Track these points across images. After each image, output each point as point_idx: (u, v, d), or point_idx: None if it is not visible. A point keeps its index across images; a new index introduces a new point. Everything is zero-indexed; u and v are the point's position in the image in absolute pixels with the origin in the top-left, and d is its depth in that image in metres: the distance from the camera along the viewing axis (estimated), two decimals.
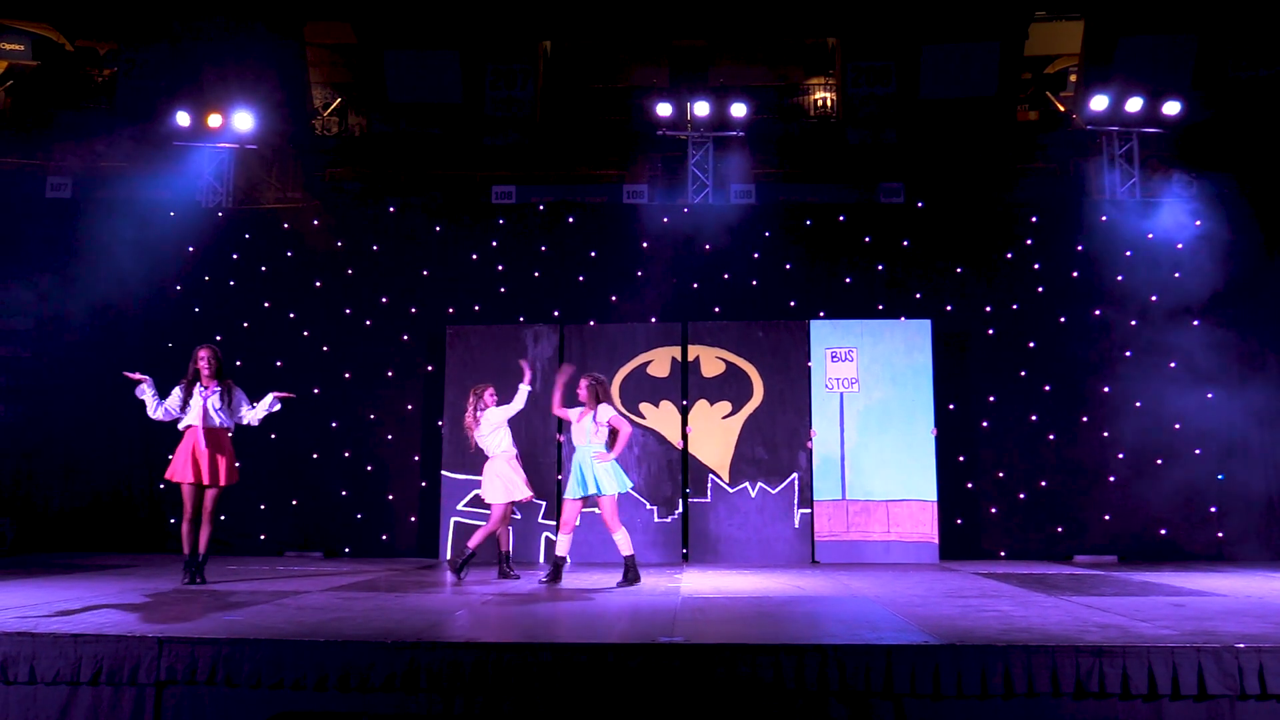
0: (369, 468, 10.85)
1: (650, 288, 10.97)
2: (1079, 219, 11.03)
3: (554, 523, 10.24)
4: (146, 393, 7.80)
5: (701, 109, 11.90)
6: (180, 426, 7.88)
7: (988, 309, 10.91)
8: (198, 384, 7.82)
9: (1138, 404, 10.56)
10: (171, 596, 6.94)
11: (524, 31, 15.88)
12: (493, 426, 8.48)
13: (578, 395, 8.04)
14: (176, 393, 7.85)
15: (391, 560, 10.22)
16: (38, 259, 11.29)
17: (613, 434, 7.91)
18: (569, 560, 8.14)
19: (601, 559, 10.11)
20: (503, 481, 8.42)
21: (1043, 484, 10.61)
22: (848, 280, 11.07)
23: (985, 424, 10.77)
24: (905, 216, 11.29)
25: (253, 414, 8.04)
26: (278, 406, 8.10)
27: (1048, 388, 10.73)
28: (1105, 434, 10.60)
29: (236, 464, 8.07)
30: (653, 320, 10.82)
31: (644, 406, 10.48)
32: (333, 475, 10.80)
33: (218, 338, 10.93)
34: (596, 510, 8.40)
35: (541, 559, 10.24)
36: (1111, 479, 10.55)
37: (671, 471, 10.38)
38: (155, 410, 7.84)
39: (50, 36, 17.51)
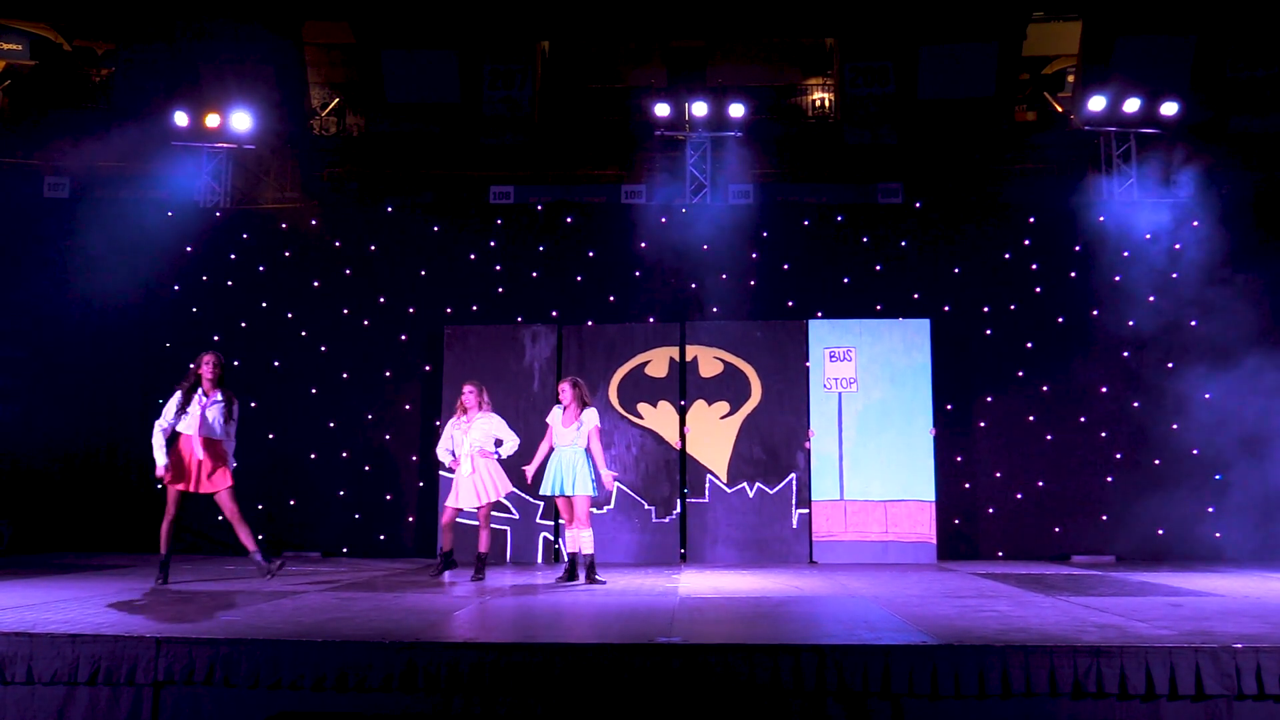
0: (366, 468, 10.85)
1: (648, 288, 10.98)
2: (1077, 219, 11.03)
3: (552, 523, 10.25)
4: (158, 446, 7.70)
5: (700, 109, 11.89)
6: (179, 429, 7.74)
7: (986, 309, 10.92)
8: (198, 390, 7.73)
9: (1135, 404, 10.58)
10: (169, 596, 6.93)
11: (522, 32, 15.88)
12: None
13: (559, 398, 8.21)
14: (174, 400, 7.72)
15: (389, 560, 10.22)
16: (35, 259, 11.26)
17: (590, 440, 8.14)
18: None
19: (600, 559, 10.10)
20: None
21: (1040, 484, 10.62)
22: (846, 280, 11.07)
23: (983, 424, 10.78)
24: (903, 216, 11.29)
25: (230, 443, 7.96)
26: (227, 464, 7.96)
27: (1045, 388, 10.74)
28: (1103, 434, 10.61)
29: (233, 465, 8.03)
30: (651, 320, 10.83)
31: (642, 406, 10.49)
32: (330, 475, 10.79)
33: (215, 338, 10.95)
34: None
35: (540, 559, 10.24)
36: (1109, 479, 10.56)
37: (669, 472, 10.38)
38: (159, 438, 7.74)
39: (48, 36, 17.50)
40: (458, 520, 8.75)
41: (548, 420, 8.34)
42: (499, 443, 8.50)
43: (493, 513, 10.27)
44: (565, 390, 8.20)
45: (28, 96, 16.47)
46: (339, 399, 10.89)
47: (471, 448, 8.42)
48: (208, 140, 11.85)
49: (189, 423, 7.71)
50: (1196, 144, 12.77)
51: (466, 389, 8.61)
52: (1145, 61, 14.18)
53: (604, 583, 8.02)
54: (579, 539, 8.10)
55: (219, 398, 7.76)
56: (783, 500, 10.32)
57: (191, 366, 7.85)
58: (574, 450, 8.05)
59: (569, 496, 8.04)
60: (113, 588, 7.39)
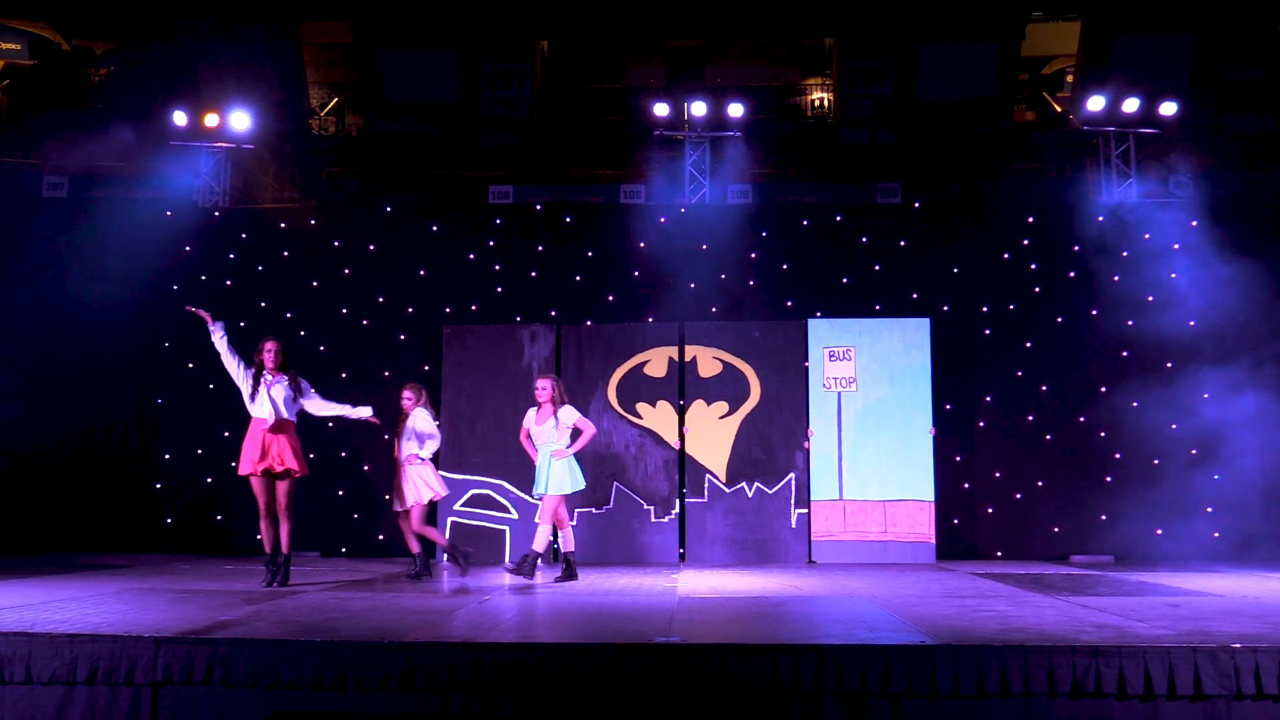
0: (365, 467, 10.83)
1: (647, 288, 10.96)
2: (1075, 220, 11.03)
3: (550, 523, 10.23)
4: (218, 335, 7.70)
5: (699, 109, 11.89)
6: (251, 414, 7.75)
7: (985, 309, 10.92)
8: (263, 375, 7.75)
9: (1134, 404, 10.57)
10: (168, 596, 6.93)
11: (521, 31, 15.88)
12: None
13: (535, 396, 8.19)
14: (246, 379, 7.75)
15: (388, 560, 10.21)
16: (34, 258, 11.26)
17: (574, 434, 8.11)
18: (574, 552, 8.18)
19: (599, 559, 10.11)
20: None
21: (1039, 484, 10.62)
22: (845, 280, 11.07)
23: (982, 424, 10.78)
24: (902, 216, 11.30)
25: (325, 408, 7.93)
26: (359, 415, 8.00)
27: (1044, 388, 10.74)
28: (1102, 434, 10.61)
29: (309, 455, 7.99)
30: (650, 320, 10.82)
31: (641, 406, 10.48)
32: (329, 475, 10.77)
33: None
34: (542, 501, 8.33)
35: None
36: (1108, 479, 10.56)
37: (668, 472, 10.38)
38: (228, 354, 7.73)
39: (47, 36, 17.49)
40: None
41: (524, 424, 8.28)
42: (422, 443, 8.51)
43: (491, 512, 10.31)
44: (546, 386, 8.11)
45: (27, 96, 16.47)
46: (338, 398, 10.84)
47: (401, 451, 8.50)
48: (206, 140, 11.84)
49: (261, 408, 7.72)
50: (1195, 144, 12.78)
51: (402, 393, 8.67)
52: (1144, 61, 14.19)
53: (532, 581, 7.98)
54: (539, 535, 8.08)
55: (283, 378, 7.77)
56: (782, 500, 10.32)
57: (255, 354, 7.83)
58: (548, 449, 8.04)
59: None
60: (111, 587, 7.38)
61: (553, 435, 8.05)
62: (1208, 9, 14.42)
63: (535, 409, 8.22)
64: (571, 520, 8.17)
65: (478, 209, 11.88)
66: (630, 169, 13.71)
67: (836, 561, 10.12)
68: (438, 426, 8.70)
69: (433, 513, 10.39)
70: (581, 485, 8.26)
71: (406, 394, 8.66)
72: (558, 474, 8.01)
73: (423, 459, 8.46)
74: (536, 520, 8.21)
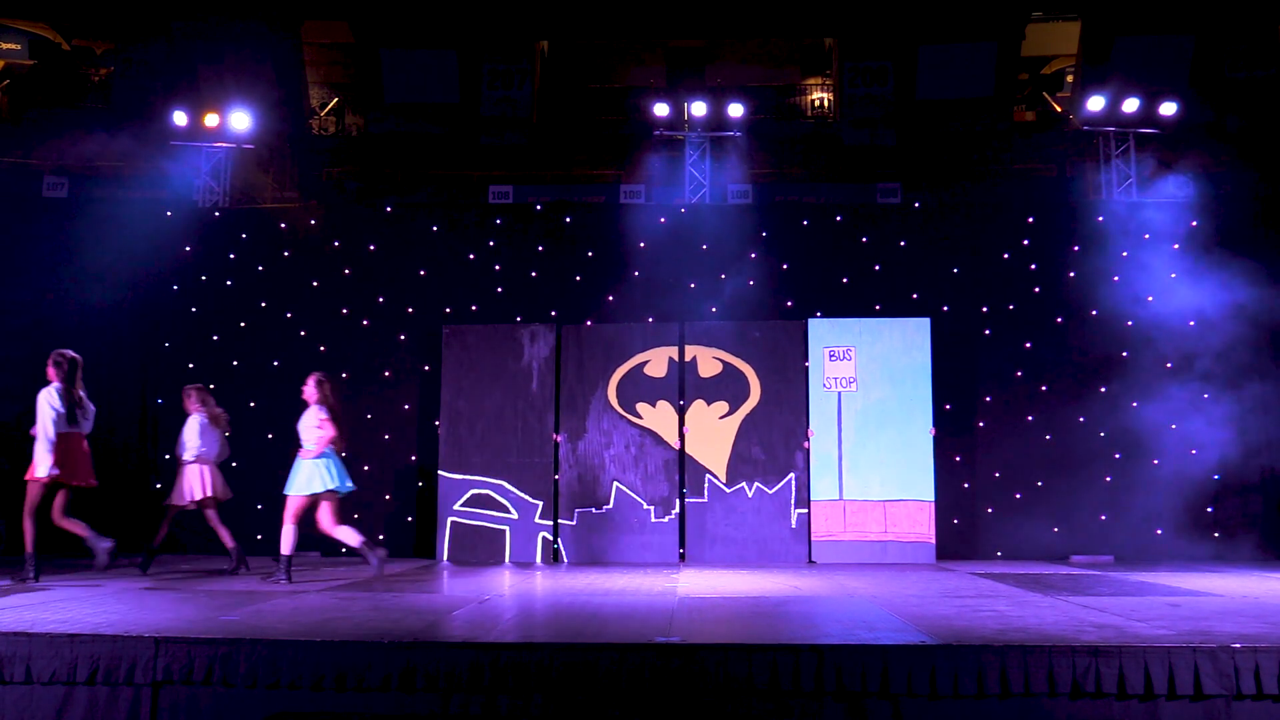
0: (365, 468, 10.82)
1: (647, 288, 10.97)
2: (1075, 219, 11.04)
3: (550, 524, 10.25)
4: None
5: (699, 109, 11.90)
6: (64, 430, 7.90)
7: (984, 309, 10.92)
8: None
9: (1134, 404, 10.57)
10: (168, 596, 6.93)
11: (521, 31, 15.90)
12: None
13: (302, 393, 8.44)
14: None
15: (388, 560, 10.19)
16: (34, 258, 11.25)
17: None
18: (289, 556, 8.32)
19: (599, 559, 10.11)
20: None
21: (1039, 484, 10.62)
22: (845, 280, 11.07)
23: (982, 424, 10.78)
24: (902, 216, 11.30)
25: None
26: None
27: (1044, 388, 10.74)
28: (1102, 434, 10.61)
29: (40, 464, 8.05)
30: (650, 320, 10.82)
31: (641, 406, 10.48)
32: None
33: (214, 337, 10.98)
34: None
35: (539, 559, 10.24)
36: (1108, 479, 10.56)
37: (668, 472, 10.38)
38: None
39: (47, 36, 17.51)
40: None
41: None
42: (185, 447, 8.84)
43: (491, 512, 10.31)
44: (309, 384, 8.41)
45: (27, 96, 16.48)
46: (338, 398, 10.85)
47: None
48: (206, 140, 11.84)
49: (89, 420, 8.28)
50: (1195, 144, 12.79)
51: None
52: (1144, 61, 14.20)
53: (281, 581, 8.05)
54: (284, 536, 8.27)
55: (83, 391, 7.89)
56: (782, 500, 10.32)
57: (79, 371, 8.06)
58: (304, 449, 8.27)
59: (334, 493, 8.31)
60: (111, 587, 7.38)
61: (305, 433, 8.31)
62: (1208, 9, 14.43)
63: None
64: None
65: (478, 209, 11.88)
66: (630, 169, 13.73)
67: (836, 561, 10.12)
68: (213, 433, 9.00)
69: (433, 513, 10.40)
70: (329, 486, 8.25)
71: (184, 396, 8.98)
72: (301, 474, 8.19)
73: (187, 461, 8.77)
74: (283, 523, 8.34)
